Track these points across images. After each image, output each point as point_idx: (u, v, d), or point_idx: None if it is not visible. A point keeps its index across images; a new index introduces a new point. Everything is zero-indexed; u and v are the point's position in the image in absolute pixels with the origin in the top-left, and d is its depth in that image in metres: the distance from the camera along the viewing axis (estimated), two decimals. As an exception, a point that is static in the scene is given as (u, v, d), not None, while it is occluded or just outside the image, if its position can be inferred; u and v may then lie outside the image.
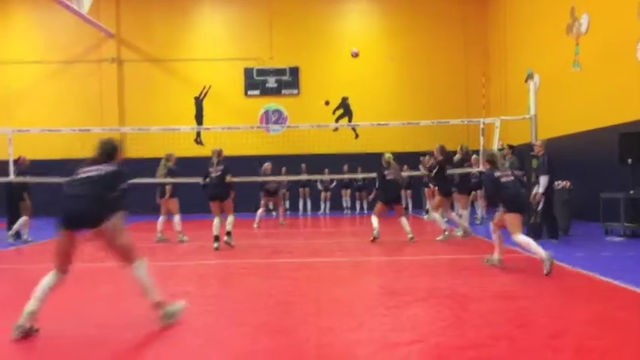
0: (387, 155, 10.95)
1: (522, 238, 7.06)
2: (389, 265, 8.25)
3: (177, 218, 11.29)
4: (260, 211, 14.93)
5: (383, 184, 10.79)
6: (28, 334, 4.36)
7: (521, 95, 15.41)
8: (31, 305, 4.38)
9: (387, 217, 11.87)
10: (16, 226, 11.61)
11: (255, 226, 14.42)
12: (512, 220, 7.16)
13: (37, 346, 4.29)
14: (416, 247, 9.88)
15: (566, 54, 14.67)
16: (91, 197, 4.50)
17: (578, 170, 12.62)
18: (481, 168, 12.22)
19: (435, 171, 11.13)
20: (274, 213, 18.69)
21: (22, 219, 11.64)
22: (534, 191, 9.91)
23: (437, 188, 11.30)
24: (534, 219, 10.09)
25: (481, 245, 10.16)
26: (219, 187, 9.97)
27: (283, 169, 18.62)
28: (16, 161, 12.43)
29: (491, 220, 7.76)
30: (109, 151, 4.79)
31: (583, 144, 13.73)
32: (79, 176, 4.66)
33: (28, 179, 12.37)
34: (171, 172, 11.40)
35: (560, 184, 11.02)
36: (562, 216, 10.66)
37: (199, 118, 21.31)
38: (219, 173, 10.06)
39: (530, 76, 16.85)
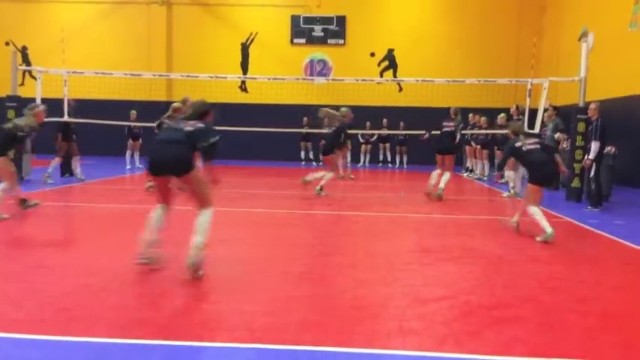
0: (454, 108, 10.86)
1: (535, 210, 7.00)
2: (427, 223, 8.45)
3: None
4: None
5: (440, 134, 10.58)
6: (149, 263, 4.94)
7: (573, 54, 14.96)
8: (147, 236, 4.97)
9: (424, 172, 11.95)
10: (50, 169, 12.07)
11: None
12: (532, 191, 7.14)
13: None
14: (455, 206, 10.01)
15: (623, 13, 14.11)
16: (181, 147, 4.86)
17: (624, 135, 12.36)
18: (526, 129, 12.14)
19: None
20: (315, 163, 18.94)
21: (54, 159, 12.07)
22: (585, 158, 9.77)
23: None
24: (588, 187, 9.96)
25: (523, 207, 10.21)
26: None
27: (326, 120, 18.75)
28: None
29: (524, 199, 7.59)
30: (200, 111, 5.29)
31: (631, 108, 13.37)
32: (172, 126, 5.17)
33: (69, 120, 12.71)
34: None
35: (605, 149, 10.84)
36: (604, 182, 10.55)
37: (245, 65, 21.38)
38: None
39: (584, 34, 16.35)
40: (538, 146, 7.32)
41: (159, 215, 5.03)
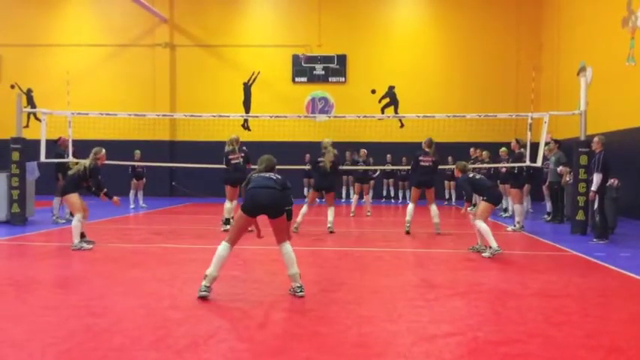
0: (427, 140, 11.03)
1: (484, 226, 8.08)
2: (431, 258, 8.39)
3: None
4: (355, 197, 15.15)
5: (416, 168, 10.92)
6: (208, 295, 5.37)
7: (572, 88, 15.13)
8: (212, 271, 5.44)
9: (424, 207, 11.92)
10: (55, 210, 12.20)
11: (351, 214, 14.54)
12: (487, 208, 8.28)
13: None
14: (459, 240, 9.97)
15: (620, 48, 14.32)
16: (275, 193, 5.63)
17: (627, 168, 12.38)
18: (528, 162, 12.17)
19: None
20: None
21: (55, 200, 12.17)
22: (591, 190, 9.75)
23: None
24: (593, 219, 9.95)
25: (528, 241, 10.16)
26: (240, 171, 10.44)
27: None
28: (55, 142, 12.96)
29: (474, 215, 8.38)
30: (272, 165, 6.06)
31: (633, 141, 13.43)
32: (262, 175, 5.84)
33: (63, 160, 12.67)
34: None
35: (609, 181, 10.82)
36: (609, 214, 10.51)
37: (247, 103, 21.69)
38: (239, 160, 10.70)
39: (582, 69, 16.55)
40: (482, 175, 8.99)
41: (225, 251, 5.52)
